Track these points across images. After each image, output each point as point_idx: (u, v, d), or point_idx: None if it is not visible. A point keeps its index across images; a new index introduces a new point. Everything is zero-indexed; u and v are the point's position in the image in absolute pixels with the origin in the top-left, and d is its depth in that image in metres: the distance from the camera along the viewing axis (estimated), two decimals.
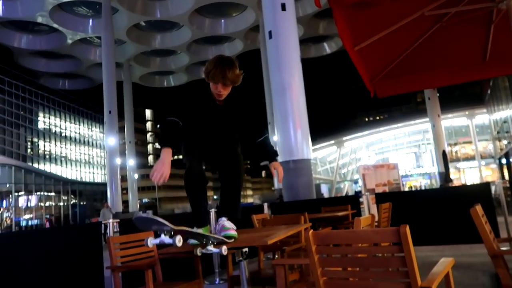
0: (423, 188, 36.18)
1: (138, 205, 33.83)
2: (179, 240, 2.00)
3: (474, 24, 3.77)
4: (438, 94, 30.74)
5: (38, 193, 42.08)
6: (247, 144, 2.70)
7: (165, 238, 2.03)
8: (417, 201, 6.02)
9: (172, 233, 2.06)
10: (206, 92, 2.46)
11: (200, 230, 2.41)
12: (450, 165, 29.93)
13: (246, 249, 2.36)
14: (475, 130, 38.42)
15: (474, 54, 4.17)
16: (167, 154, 2.25)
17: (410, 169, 41.83)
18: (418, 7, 3.41)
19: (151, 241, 2.08)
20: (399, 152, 43.56)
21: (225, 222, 2.38)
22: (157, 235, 2.08)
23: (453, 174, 33.96)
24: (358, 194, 9.56)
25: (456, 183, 30.56)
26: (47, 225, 38.46)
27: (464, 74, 4.41)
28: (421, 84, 5.13)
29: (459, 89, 48.88)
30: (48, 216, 42.05)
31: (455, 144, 40.79)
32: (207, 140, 2.60)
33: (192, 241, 2.34)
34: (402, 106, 61.76)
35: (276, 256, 3.89)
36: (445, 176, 22.95)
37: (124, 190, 30.45)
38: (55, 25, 29.26)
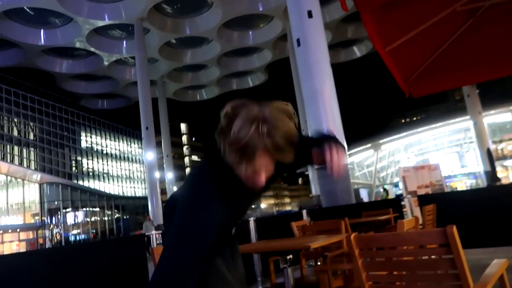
0: (469, 188, 34.54)
1: None
2: None
3: (510, 15, 3.62)
4: (477, 91, 29.44)
5: (84, 209, 43.89)
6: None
7: None
8: (463, 201, 5.77)
9: None
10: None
11: None
12: (496, 163, 28.42)
13: (291, 256, 2.37)
14: None
15: None
16: None
17: (453, 170, 40.06)
18: (449, 3, 3.32)
19: None
20: (440, 152, 41.88)
21: None
22: None
23: (500, 173, 32.19)
24: (399, 197, 9.29)
25: (504, 181, 28.95)
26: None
27: (503, 68, 4.22)
28: (458, 81, 4.97)
29: (499, 84, 46.57)
30: (94, 231, 43.73)
31: (500, 141, 38.69)
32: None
33: None
34: (440, 105, 59.65)
35: (318, 263, 3.85)
36: (491, 175, 21.84)
37: (164, 202, 31.16)
38: (92, 49, 30.77)
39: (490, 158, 24.25)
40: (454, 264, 1.41)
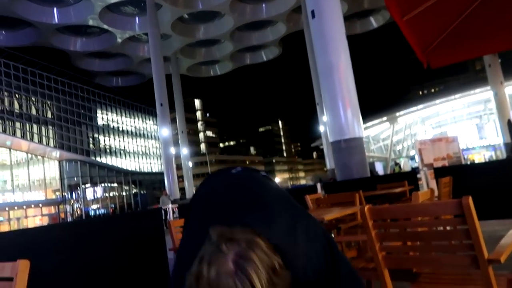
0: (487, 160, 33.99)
1: (194, 191, 35.06)
2: None
3: None
4: (499, 60, 28.46)
5: (103, 184, 45.04)
6: None
7: None
8: (481, 173, 5.69)
9: None
10: None
11: None
12: None
13: None
14: None
15: None
16: None
17: (472, 142, 39.33)
18: None
19: None
20: (458, 124, 41.07)
21: None
22: None
23: None
24: (415, 170, 9.20)
25: None
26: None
27: None
28: (478, 50, 4.77)
29: None
30: (113, 206, 44.99)
31: None
32: None
33: None
34: (459, 76, 58.04)
35: (332, 235, 3.89)
36: (511, 147, 21.39)
37: (180, 178, 31.71)
38: (105, 26, 30.71)
39: (511, 129, 23.69)
40: (469, 234, 1.41)
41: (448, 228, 1.56)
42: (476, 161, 33.10)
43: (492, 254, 1.40)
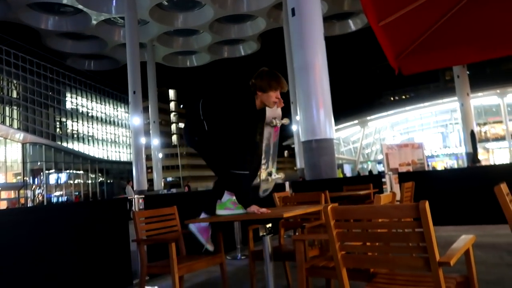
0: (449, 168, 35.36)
1: (162, 184, 34.64)
2: (286, 120, 2.88)
3: None
4: (468, 72, 29.61)
5: (68, 171, 43.67)
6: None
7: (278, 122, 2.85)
8: (442, 180, 5.92)
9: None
10: (251, 102, 2.66)
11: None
12: (479, 145, 29.08)
13: (270, 225, 2.42)
14: (506, 109, 36.91)
15: (507, 28, 3.97)
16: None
17: (437, 150, 40.85)
18: None
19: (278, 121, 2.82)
20: (425, 132, 42.54)
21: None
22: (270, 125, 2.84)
23: (481, 155, 32.97)
24: (381, 174, 9.47)
25: (484, 163, 29.72)
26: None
27: (495, 49, 4.21)
28: (449, 60, 4.93)
29: (491, 66, 46.86)
30: (77, 193, 43.72)
31: (485, 123, 39.40)
32: (253, 146, 2.80)
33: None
34: (430, 85, 59.90)
35: (297, 233, 3.94)
36: (472, 157, 22.37)
37: (149, 169, 31.18)
38: (80, 6, 29.65)
39: (473, 140, 24.76)
40: (424, 237, 1.46)
41: (406, 230, 1.61)
42: (439, 168, 34.41)
43: (443, 257, 1.46)
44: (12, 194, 38.37)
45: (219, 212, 2.61)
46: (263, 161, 2.85)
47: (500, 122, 37.90)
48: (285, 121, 2.91)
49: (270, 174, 2.88)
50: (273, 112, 2.82)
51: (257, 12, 31.49)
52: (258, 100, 2.63)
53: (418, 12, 3.48)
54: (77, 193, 43.71)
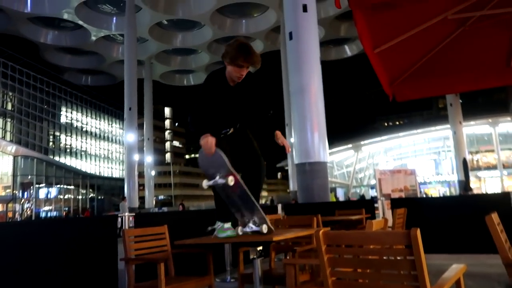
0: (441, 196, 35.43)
1: (154, 202, 34.25)
2: (231, 180, 2.35)
3: (499, 28, 3.68)
4: (460, 101, 30.09)
5: (58, 185, 43.09)
6: (257, 119, 2.91)
7: (218, 179, 2.37)
8: (434, 208, 5.92)
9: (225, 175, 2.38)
10: (221, 76, 2.65)
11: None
12: (471, 173, 29.22)
13: (260, 248, 2.39)
14: (498, 139, 37.38)
15: (499, 59, 4.07)
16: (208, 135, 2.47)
17: (429, 177, 41.03)
18: (441, 10, 3.35)
19: (206, 183, 2.43)
20: (418, 158, 42.81)
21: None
22: (211, 178, 2.42)
23: (473, 183, 33.13)
24: (373, 199, 9.46)
25: (476, 192, 29.83)
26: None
27: (487, 80, 4.30)
28: (442, 88, 5.02)
29: (483, 96, 47.78)
30: (67, 209, 43.01)
31: (477, 152, 39.78)
32: (225, 123, 2.77)
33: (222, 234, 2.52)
34: (423, 112, 60.79)
35: (288, 257, 3.89)
36: (464, 185, 22.46)
37: (141, 186, 30.88)
38: (80, 22, 29.98)
39: (465, 168, 24.91)
40: (415, 265, 1.45)
41: (398, 258, 1.59)
42: (431, 195, 34.47)
43: (434, 286, 1.45)
44: (0, 207, 37.66)
45: (221, 235, 2.55)
46: (235, 211, 2.54)
47: (492, 151, 38.30)
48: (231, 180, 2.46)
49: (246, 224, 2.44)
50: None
51: (255, 35, 32.02)
52: (227, 74, 2.61)
53: (412, 41, 3.56)
54: (66, 209, 43.00)
